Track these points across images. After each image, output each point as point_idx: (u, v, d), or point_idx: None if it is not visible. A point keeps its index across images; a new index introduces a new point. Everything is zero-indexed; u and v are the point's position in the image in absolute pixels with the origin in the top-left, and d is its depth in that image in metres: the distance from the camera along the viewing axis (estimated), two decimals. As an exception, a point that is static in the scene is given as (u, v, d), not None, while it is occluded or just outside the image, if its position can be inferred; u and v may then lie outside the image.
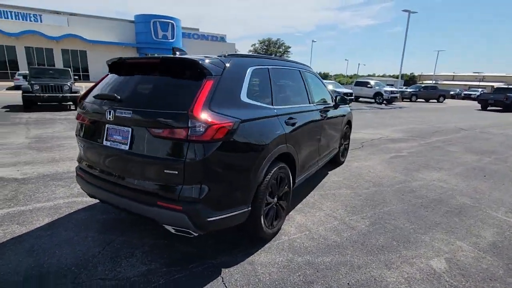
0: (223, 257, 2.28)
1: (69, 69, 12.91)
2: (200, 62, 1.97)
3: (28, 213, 2.87)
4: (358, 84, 23.16)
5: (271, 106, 2.49)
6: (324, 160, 3.82)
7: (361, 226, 2.85)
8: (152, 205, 1.92)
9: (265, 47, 47.24)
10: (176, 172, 1.84)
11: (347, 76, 78.83)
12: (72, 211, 2.95)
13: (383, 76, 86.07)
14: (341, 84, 32.74)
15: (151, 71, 2.19)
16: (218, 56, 2.27)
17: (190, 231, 1.91)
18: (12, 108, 10.76)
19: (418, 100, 25.77)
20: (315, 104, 3.43)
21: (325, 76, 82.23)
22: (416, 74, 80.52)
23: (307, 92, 3.33)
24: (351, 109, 5.17)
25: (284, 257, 2.32)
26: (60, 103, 11.40)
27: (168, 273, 2.07)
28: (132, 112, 1.95)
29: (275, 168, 2.41)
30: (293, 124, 2.71)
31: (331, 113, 3.95)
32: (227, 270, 2.13)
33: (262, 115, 2.31)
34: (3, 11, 29.19)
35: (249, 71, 2.34)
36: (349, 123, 4.95)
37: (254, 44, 48.30)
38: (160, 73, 2.13)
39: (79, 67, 34.05)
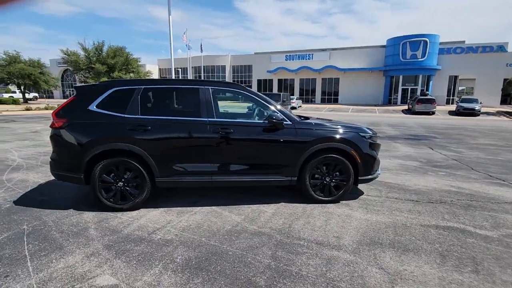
0: (80, 206, 3.65)
1: (281, 94, 16.99)
2: (75, 85, 3.57)
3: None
4: None
5: (121, 115, 3.43)
6: (233, 178, 3.58)
7: (161, 236, 2.90)
8: None
9: None
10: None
11: None
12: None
13: None
14: None
15: None
16: (101, 82, 3.69)
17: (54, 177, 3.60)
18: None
19: None
20: (211, 118, 3.51)
21: None
22: None
23: (200, 108, 3.55)
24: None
25: (79, 217, 3.26)
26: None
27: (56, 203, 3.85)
28: None
29: (115, 159, 3.38)
30: (145, 130, 3.40)
31: (264, 134, 3.62)
32: (58, 211, 3.52)
33: (103, 120, 3.41)
34: (289, 55, 41.57)
35: (109, 91, 3.52)
36: (341, 153, 3.70)
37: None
38: None
39: (331, 92, 40.44)
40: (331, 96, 40.59)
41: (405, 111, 28.29)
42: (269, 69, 42.79)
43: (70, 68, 27.30)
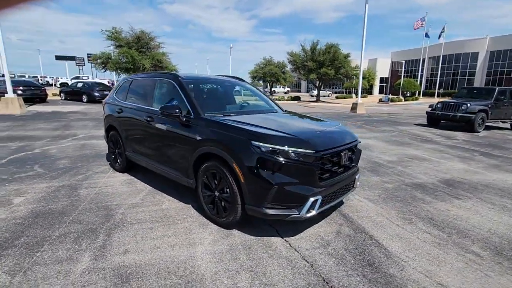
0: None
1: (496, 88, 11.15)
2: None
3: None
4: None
5: (119, 100, 4.53)
6: (157, 166, 3.66)
7: (86, 192, 3.83)
8: None
9: None
10: None
11: None
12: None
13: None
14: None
15: None
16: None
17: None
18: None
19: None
20: (148, 107, 3.79)
21: None
22: None
23: (148, 97, 3.88)
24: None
25: (95, 168, 4.75)
26: (452, 121, 11.27)
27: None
28: None
29: (112, 132, 4.66)
30: (119, 112, 4.33)
31: (169, 125, 3.40)
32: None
33: (114, 103, 4.65)
34: None
35: (121, 82, 4.69)
36: (225, 164, 2.67)
37: None
38: None
39: None
40: None
41: None
42: (551, 51, 27.81)
43: (291, 67, 32.59)
